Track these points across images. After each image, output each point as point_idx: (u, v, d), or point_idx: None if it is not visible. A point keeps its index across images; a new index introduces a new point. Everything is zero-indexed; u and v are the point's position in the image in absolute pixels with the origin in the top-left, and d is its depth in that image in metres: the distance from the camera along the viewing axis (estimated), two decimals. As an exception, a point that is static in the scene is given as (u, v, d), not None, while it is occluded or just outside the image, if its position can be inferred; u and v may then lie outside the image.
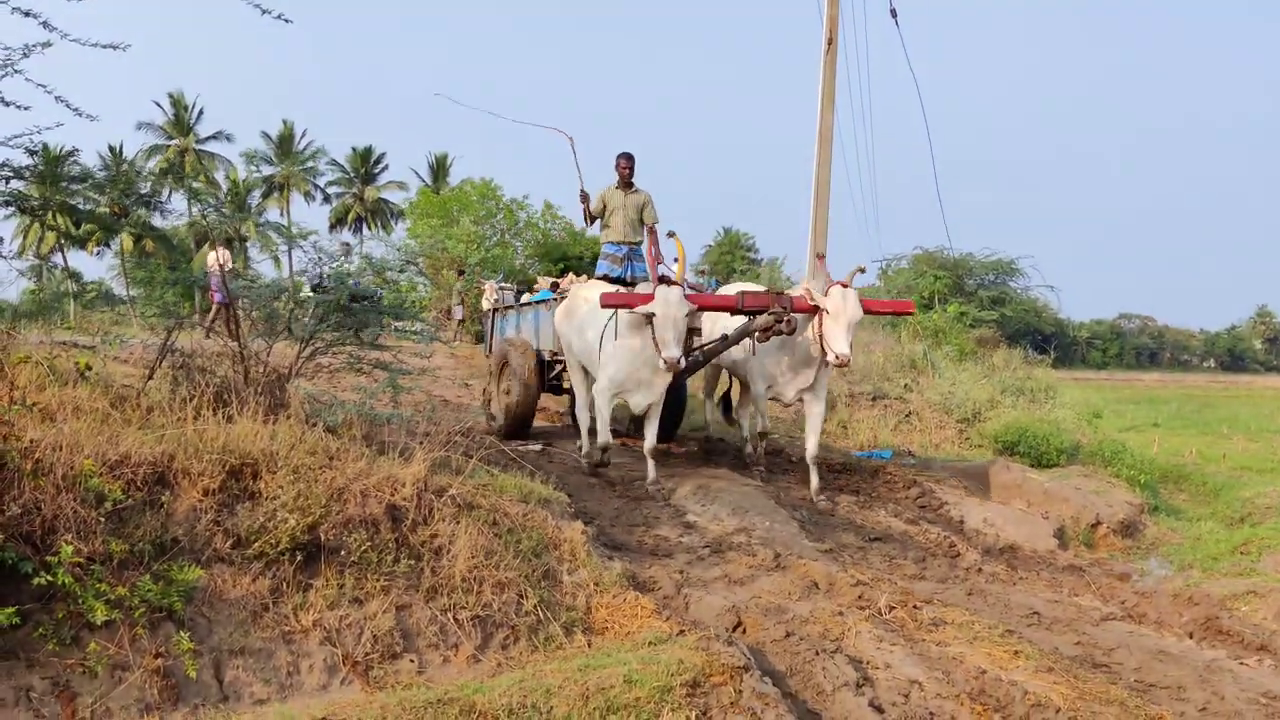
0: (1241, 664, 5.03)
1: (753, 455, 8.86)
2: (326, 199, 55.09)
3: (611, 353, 7.36)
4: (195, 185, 7.59)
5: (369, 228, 54.66)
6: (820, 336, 7.42)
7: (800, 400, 8.18)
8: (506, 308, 10.96)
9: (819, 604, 5.23)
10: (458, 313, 24.76)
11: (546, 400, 10.39)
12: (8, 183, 5.67)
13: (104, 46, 5.54)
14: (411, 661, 4.23)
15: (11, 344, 5.20)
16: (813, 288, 7.64)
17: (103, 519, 3.97)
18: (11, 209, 6.03)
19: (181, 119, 48.29)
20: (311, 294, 6.47)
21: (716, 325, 8.37)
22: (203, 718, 3.69)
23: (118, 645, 3.75)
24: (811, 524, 7.16)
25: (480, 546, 4.71)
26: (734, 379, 9.35)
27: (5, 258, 6.01)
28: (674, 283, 7.19)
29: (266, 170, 50.78)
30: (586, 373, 8.19)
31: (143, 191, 7.27)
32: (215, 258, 8.56)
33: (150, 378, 5.73)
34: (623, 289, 7.77)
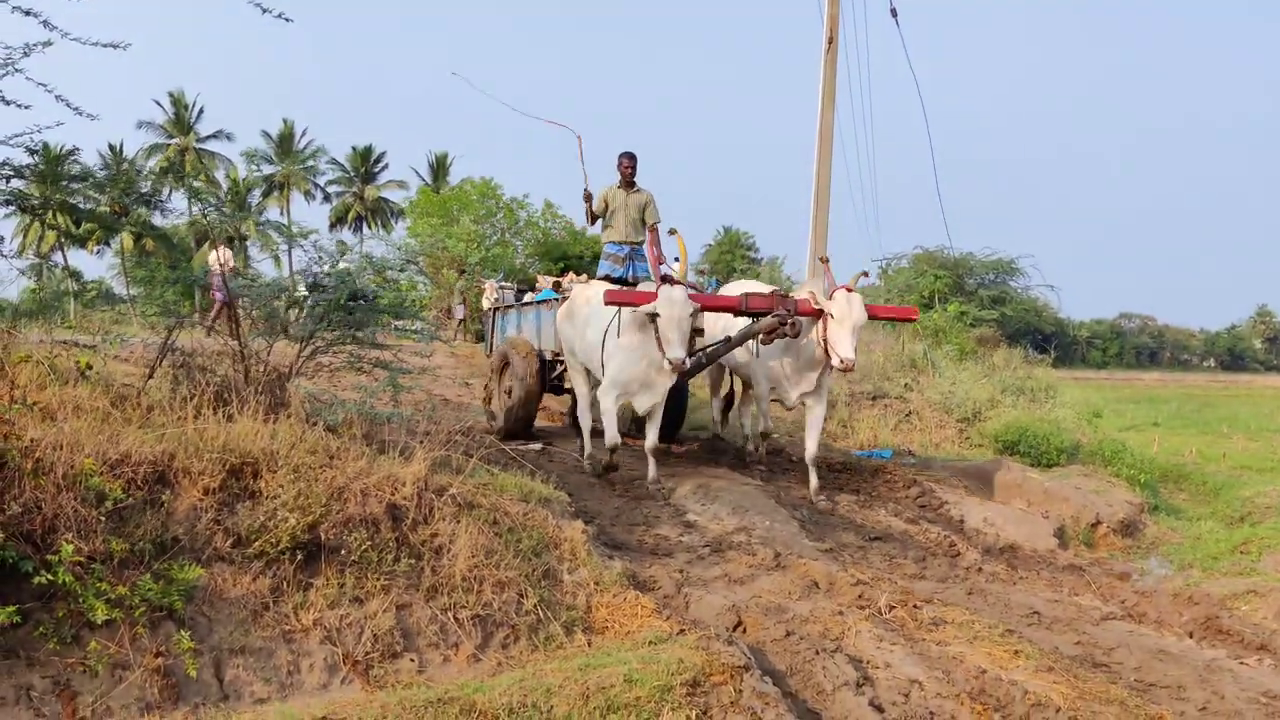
0: (1241, 663, 5.03)
1: (753, 455, 8.86)
2: (326, 198, 55.17)
3: (614, 352, 7.31)
4: (196, 184, 7.58)
5: (369, 227, 54.68)
6: (824, 340, 7.39)
7: (802, 404, 8.16)
8: (507, 307, 10.94)
9: (819, 603, 5.23)
10: (459, 312, 24.77)
11: (547, 400, 10.37)
12: (8, 181, 5.67)
13: (104, 45, 5.55)
14: (412, 661, 4.23)
15: (12, 343, 5.21)
16: (815, 290, 7.62)
17: (103, 518, 3.97)
18: (12, 208, 6.03)
19: (182, 118, 48.32)
20: (306, 293, 6.47)
21: (718, 325, 8.35)
22: (203, 717, 3.69)
23: (118, 644, 3.75)
24: (812, 523, 7.16)
25: (480, 546, 4.71)
26: (736, 378, 9.32)
27: (6, 256, 6.01)
28: (677, 282, 7.15)
29: (267, 169, 50.86)
30: (588, 374, 8.17)
31: (143, 190, 7.25)
32: (216, 257, 8.57)
33: (151, 377, 5.73)
34: (625, 289, 7.75)
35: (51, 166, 5.99)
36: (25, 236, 38.63)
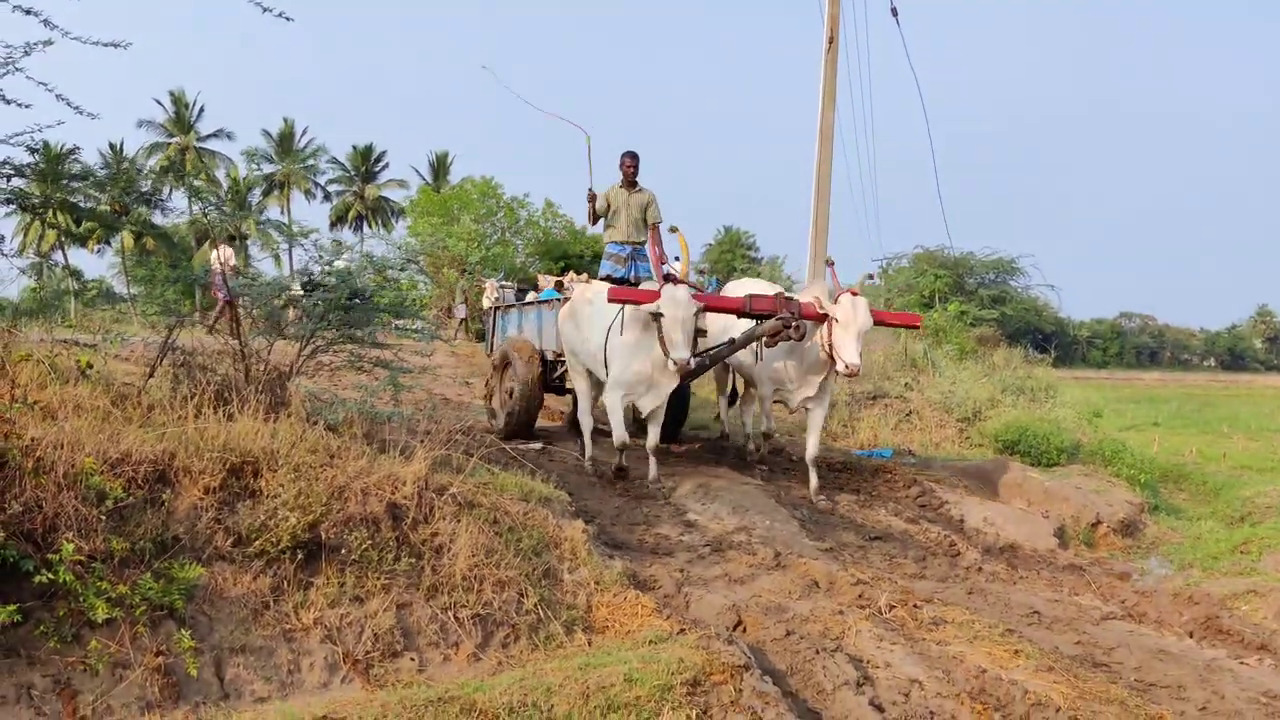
0: (1242, 663, 5.03)
1: (753, 454, 8.85)
2: (327, 197, 55.16)
3: (617, 351, 7.26)
4: (196, 183, 7.58)
5: (369, 226, 54.68)
6: (829, 345, 7.34)
7: (804, 407, 8.12)
8: (508, 306, 10.91)
9: (819, 603, 5.23)
10: (460, 311, 24.77)
11: (548, 399, 10.36)
12: (9, 180, 5.67)
13: (105, 44, 5.56)
14: (412, 660, 4.23)
15: (13, 342, 5.21)
16: (820, 294, 7.58)
17: (104, 517, 3.97)
18: (13, 207, 6.03)
19: (182, 117, 48.31)
20: (300, 291, 6.46)
21: (717, 325, 8.31)
22: (204, 716, 3.69)
23: (119, 643, 3.75)
24: (812, 523, 7.16)
25: (481, 545, 4.72)
26: (738, 377, 9.27)
27: (6, 255, 6.01)
28: (680, 281, 7.11)
29: (267, 168, 50.86)
30: (590, 375, 8.14)
31: (143, 189, 7.25)
32: (217, 255, 8.56)
33: (151, 376, 5.73)
34: (628, 288, 7.70)
35: (52, 165, 5.99)
36: (26, 235, 38.59)
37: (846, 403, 13.26)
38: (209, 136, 48.94)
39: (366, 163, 55.35)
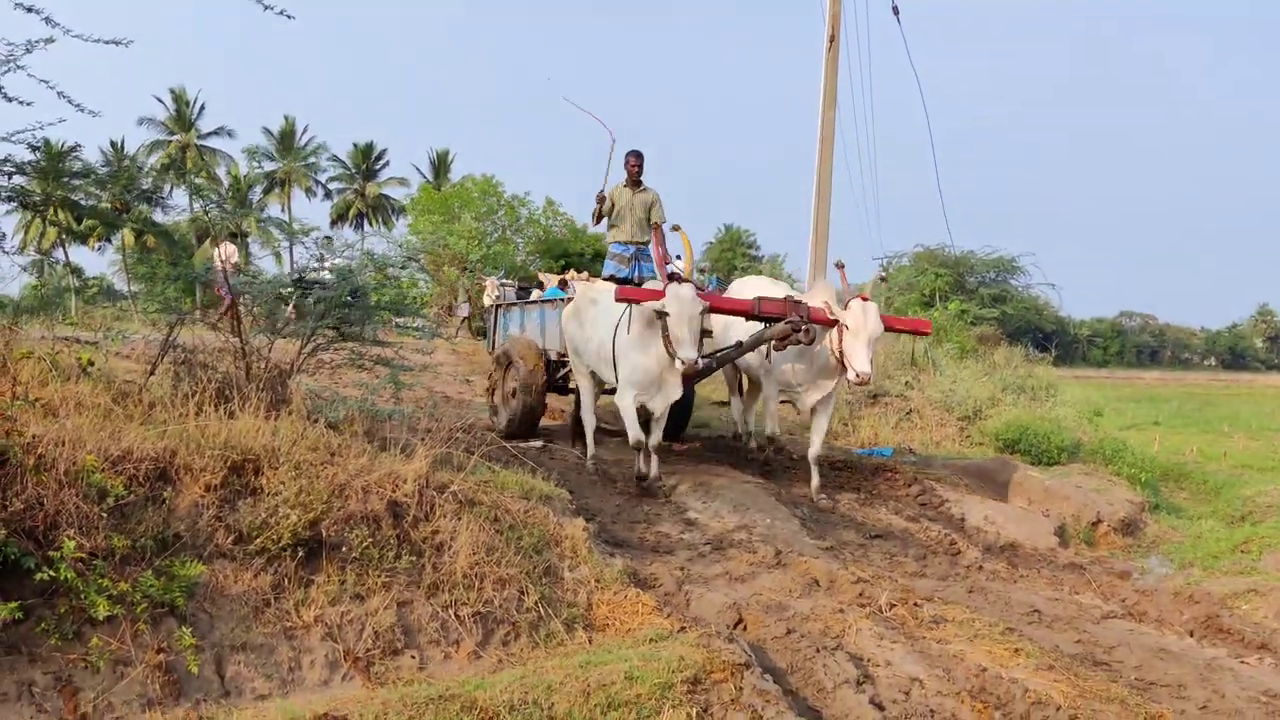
0: (1242, 662, 5.03)
1: (755, 454, 8.83)
2: (328, 195, 55.16)
3: (625, 351, 7.19)
4: (197, 181, 7.58)
5: (370, 224, 54.70)
6: (839, 352, 7.24)
7: (811, 410, 8.08)
8: (510, 305, 10.87)
9: (820, 601, 5.23)
10: (463, 310, 24.76)
11: (550, 398, 10.34)
12: (10, 178, 5.67)
13: (106, 42, 5.56)
14: (413, 657, 4.24)
15: (14, 339, 5.20)
16: (824, 294, 7.54)
17: (105, 514, 3.97)
18: (14, 204, 6.03)
19: (183, 115, 48.28)
20: (290, 288, 6.45)
21: (718, 324, 8.28)
22: (205, 713, 3.70)
23: (120, 640, 3.75)
24: (812, 521, 7.16)
25: (481, 543, 4.72)
26: (744, 376, 9.15)
27: (7, 253, 6.02)
28: (685, 280, 7.06)
29: (268, 166, 50.84)
30: (593, 375, 8.11)
31: (144, 187, 7.25)
32: (219, 253, 8.56)
33: (152, 373, 5.74)
34: (634, 287, 7.65)
35: (53, 163, 5.99)
36: (27, 233, 38.62)
37: (847, 401, 13.25)
38: (210, 134, 48.96)
39: (367, 160, 55.35)
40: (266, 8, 5.76)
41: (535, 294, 10.67)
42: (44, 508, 3.87)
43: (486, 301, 18.99)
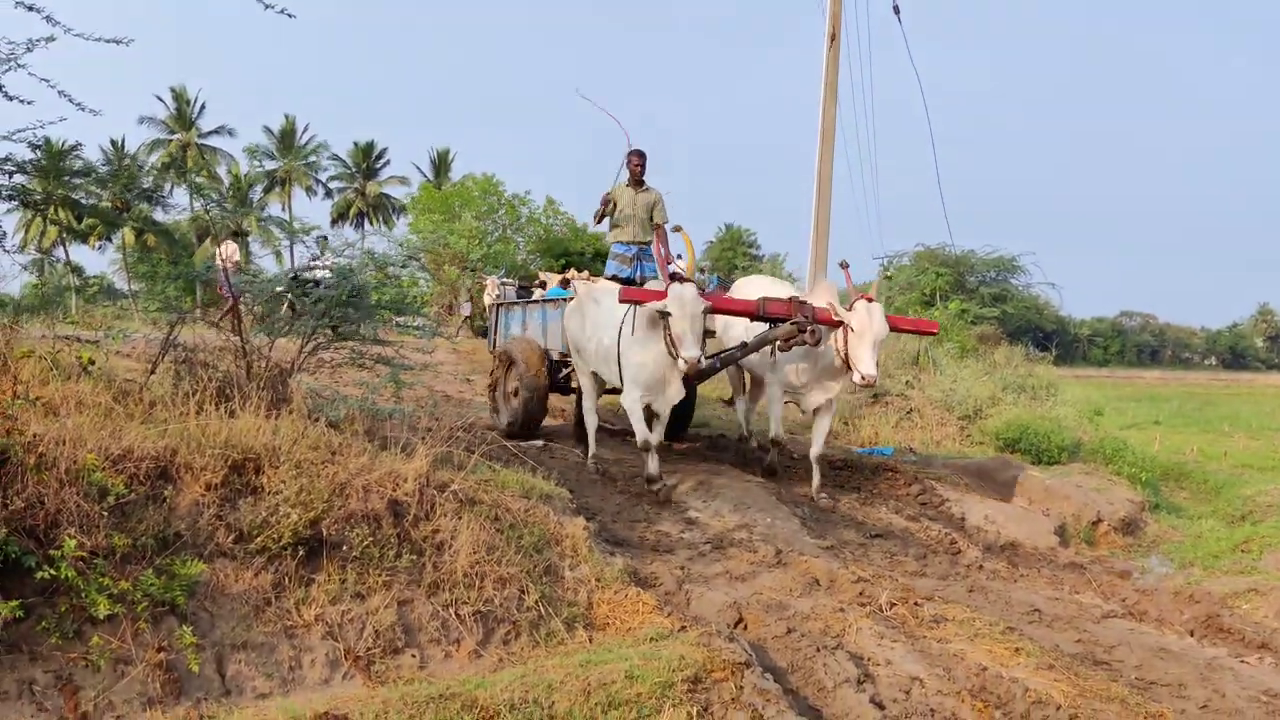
0: (1242, 662, 5.04)
1: (756, 453, 8.81)
2: (328, 194, 55.14)
3: (630, 352, 7.15)
4: (198, 180, 7.59)
5: (371, 223, 54.68)
6: (844, 354, 7.18)
7: (814, 411, 8.04)
8: (512, 304, 10.85)
9: (820, 600, 5.23)
10: (465, 309, 24.76)
11: (551, 398, 10.32)
12: (11, 177, 5.68)
13: (107, 41, 5.56)
14: (413, 656, 4.24)
15: (15, 338, 5.20)
16: (826, 293, 7.51)
17: (105, 513, 3.97)
18: (14, 203, 6.03)
19: (184, 113, 48.27)
20: (283, 287, 6.44)
21: (717, 325, 8.26)
22: (205, 712, 3.70)
23: (120, 639, 3.76)
24: (813, 521, 7.16)
25: (482, 542, 4.72)
26: (747, 376, 9.08)
27: (8, 252, 6.02)
28: (687, 280, 7.03)
29: (268, 165, 50.83)
30: (594, 374, 8.11)
31: (145, 186, 7.26)
32: (221, 252, 8.57)
33: (153, 372, 5.73)
34: (638, 288, 7.62)
35: (54, 162, 6.00)
36: (27, 232, 38.67)
37: (847, 401, 13.26)
38: (210, 133, 48.95)
39: (368, 159, 55.34)
40: (267, 6, 5.76)
41: (538, 293, 10.61)
42: (45, 506, 3.88)
43: (487, 300, 18.98)
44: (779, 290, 8.07)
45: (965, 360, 16.31)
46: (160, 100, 48.53)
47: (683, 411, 9.33)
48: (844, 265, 7.92)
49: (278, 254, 44.61)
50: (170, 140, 47.78)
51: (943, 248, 29.00)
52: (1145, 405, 24.13)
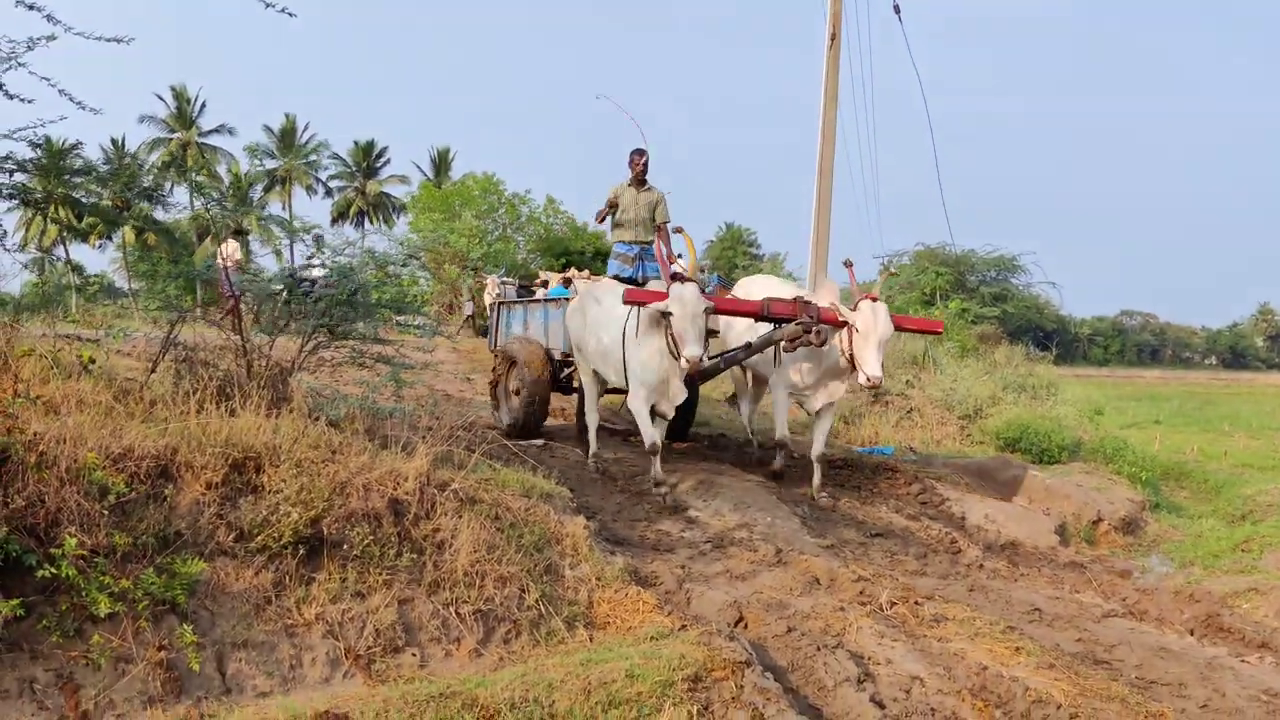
0: (1243, 661, 5.04)
1: (757, 453, 8.80)
2: (328, 193, 55.15)
3: (635, 353, 7.12)
4: (198, 179, 7.60)
5: (371, 221, 54.67)
6: (849, 354, 7.14)
7: (816, 412, 8.01)
8: (513, 303, 10.83)
9: (820, 599, 5.23)
10: (467, 308, 24.77)
11: (553, 397, 10.30)
12: (11, 175, 5.68)
13: (107, 40, 5.56)
14: (414, 655, 4.24)
15: (15, 337, 5.20)
16: (828, 293, 7.49)
17: (106, 512, 3.98)
18: (15, 202, 6.03)
19: (184, 112, 48.26)
20: (279, 286, 6.43)
21: (718, 322, 8.24)
22: (205, 710, 3.70)
23: (121, 638, 3.76)
24: (813, 520, 7.16)
25: (482, 541, 4.72)
26: (749, 375, 9.02)
27: (8, 250, 6.02)
28: (688, 279, 7.01)
29: (269, 164, 50.83)
30: (595, 373, 8.10)
31: (145, 185, 7.26)
32: (223, 251, 8.56)
33: (153, 371, 5.73)
34: (641, 289, 7.59)
35: (54, 161, 6.00)
36: (28, 231, 38.65)
37: (847, 400, 13.26)
38: (211, 132, 48.93)
39: (368, 158, 55.34)
40: (268, 5, 5.76)
41: (540, 292, 10.57)
42: (45, 505, 3.88)
43: (487, 299, 18.99)
44: (784, 290, 8.05)
45: (966, 360, 16.32)
46: (160, 99, 48.61)
47: (685, 412, 9.32)
48: (848, 264, 7.88)
49: (278, 253, 44.56)
50: (170, 139, 47.77)
51: (943, 247, 29.02)
52: (1145, 405, 24.14)
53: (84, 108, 5.54)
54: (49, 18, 5.27)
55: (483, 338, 18.66)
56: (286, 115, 52.15)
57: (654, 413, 7.27)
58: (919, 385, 14.08)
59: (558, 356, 9.01)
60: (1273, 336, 79.72)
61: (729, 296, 8.39)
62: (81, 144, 6.92)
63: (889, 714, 3.99)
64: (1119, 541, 8.77)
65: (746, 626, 4.82)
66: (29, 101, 5.34)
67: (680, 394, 7.19)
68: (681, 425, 9.39)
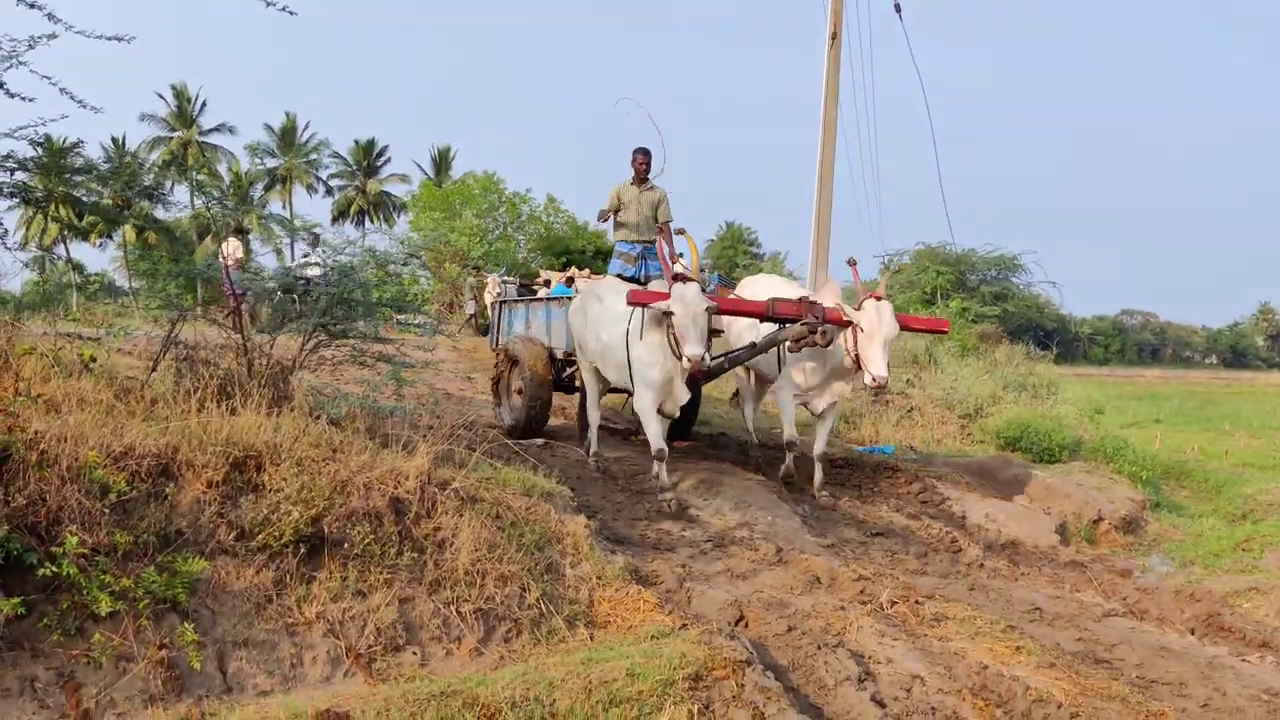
0: (1243, 660, 5.03)
1: (757, 453, 8.79)
2: (329, 191, 55.19)
3: (640, 354, 7.10)
4: (199, 178, 7.61)
5: (372, 220, 54.69)
6: (853, 354, 7.11)
7: (821, 414, 7.97)
8: (515, 301, 10.83)
9: (821, 598, 5.24)
10: (470, 307, 24.76)
11: (555, 397, 10.29)
12: (12, 174, 5.68)
13: (108, 39, 5.56)
14: (414, 654, 4.24)
15: (16, 335, 5.21)
16: (831, 293, 7.47)
17: (107, 510, 3.98)
18: (16, 200, 6.03)
19: (184, 111, 48.28)
20: (273, 283, 6.43)
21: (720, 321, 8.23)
22: (206, 709, 3.70)
23: (122, 636, 3.76)
24: (814, 519, 7.16)
25: (483, 540, 4.72)
26: (752, 375, 8.98)
27: (9, 249, 6.02)
28: (690, 279, 7.00)
29: (269, 162, 50.86)
30: (596, 372, 8.10)
31: (146, 183, 7.27)
32: (224, 249, 8.56)
33: (154, 370, 5.74)
34: (646, 290, 7.58)
35: (55, 159, 6.00)
36: (29, 229, 38.69)
37: (848, 399, 13.26)
38: (211, 130, 48.96)
39: (368, 157, 55.35)
40: (269, 4, 5.76)
41: (542, 292, 10.54)
42: (46, 503, 3.88)
43: (488, 299, 18.98)
44: (787, 290, 8.04)
45: (966, 359, 16.32)
46: (161, 98, 48.62)
47: (689, 411, 9.30)
48: (852, 262, 7.85)
49: (278, 251, 44.60)
50: (171, 138, 47.80)
51: (943, 246, 28.95)
52: (1146, 404, 24.14)
53: (85, 106, 5.55)
54: (50, 16, 5.28)
55: (483, 336, 18.67)
56: (287, 114, 52.28)
57: (659, 412, 7.25)
58: (919, 384, 14.08)
59: (560, 356, 9.00)
60: (1273, 336, 79.68)
61: (732, 296, 8.39)
62: (82, 142, 6.91)
63: (889, 713, 3.99)
64: (1119, 541, 8.76)
65: (747, 625, 4.82)
66: (30, 100, 5.35)
67: (684, 394, 7.17)
68: (684, 424, 9.39)
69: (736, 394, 9.88)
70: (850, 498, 8.11)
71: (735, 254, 49.23)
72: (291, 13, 5.84)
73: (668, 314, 6.71)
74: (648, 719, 3.56)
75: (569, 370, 9.02)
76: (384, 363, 6.42)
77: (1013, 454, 11.18)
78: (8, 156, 5.55)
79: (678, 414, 7.41)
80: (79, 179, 6.55)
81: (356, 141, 55.61)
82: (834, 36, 15.13)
